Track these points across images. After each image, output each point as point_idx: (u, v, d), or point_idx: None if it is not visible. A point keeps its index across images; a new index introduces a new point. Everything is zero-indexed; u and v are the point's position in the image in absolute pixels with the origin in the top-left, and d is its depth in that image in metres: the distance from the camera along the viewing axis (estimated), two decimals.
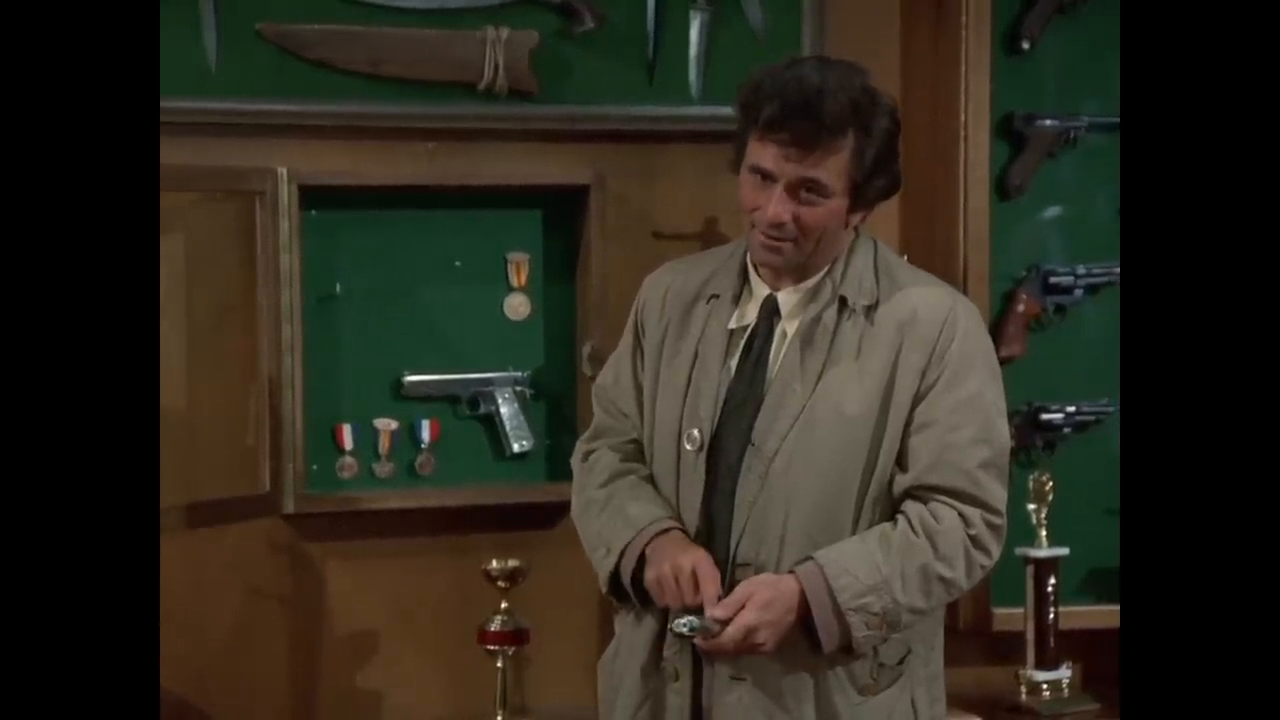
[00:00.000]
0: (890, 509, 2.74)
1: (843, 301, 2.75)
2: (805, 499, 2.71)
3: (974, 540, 2.72)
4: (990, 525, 2.73)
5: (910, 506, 2.72)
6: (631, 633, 2.88)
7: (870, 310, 2.75)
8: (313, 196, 3.64)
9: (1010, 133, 3.88)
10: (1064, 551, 3.83)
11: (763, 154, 2.66)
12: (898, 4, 3.98)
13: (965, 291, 3.53)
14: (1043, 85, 3.92)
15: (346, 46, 3.65)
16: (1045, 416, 3.90)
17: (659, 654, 2.80)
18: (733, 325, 2.80)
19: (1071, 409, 3.91)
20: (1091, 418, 3.92)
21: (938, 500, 2.71)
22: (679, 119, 3.82)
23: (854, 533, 2.72)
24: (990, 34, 3.80)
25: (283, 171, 3.59)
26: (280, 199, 3.58)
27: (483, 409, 3.80)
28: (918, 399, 2.72)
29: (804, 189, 2.66)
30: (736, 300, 2.81)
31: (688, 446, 2.77)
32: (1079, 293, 3.91)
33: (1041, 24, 3.86)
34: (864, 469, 2.72)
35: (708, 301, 2.83)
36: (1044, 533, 3.82)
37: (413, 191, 3.72)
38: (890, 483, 2.73)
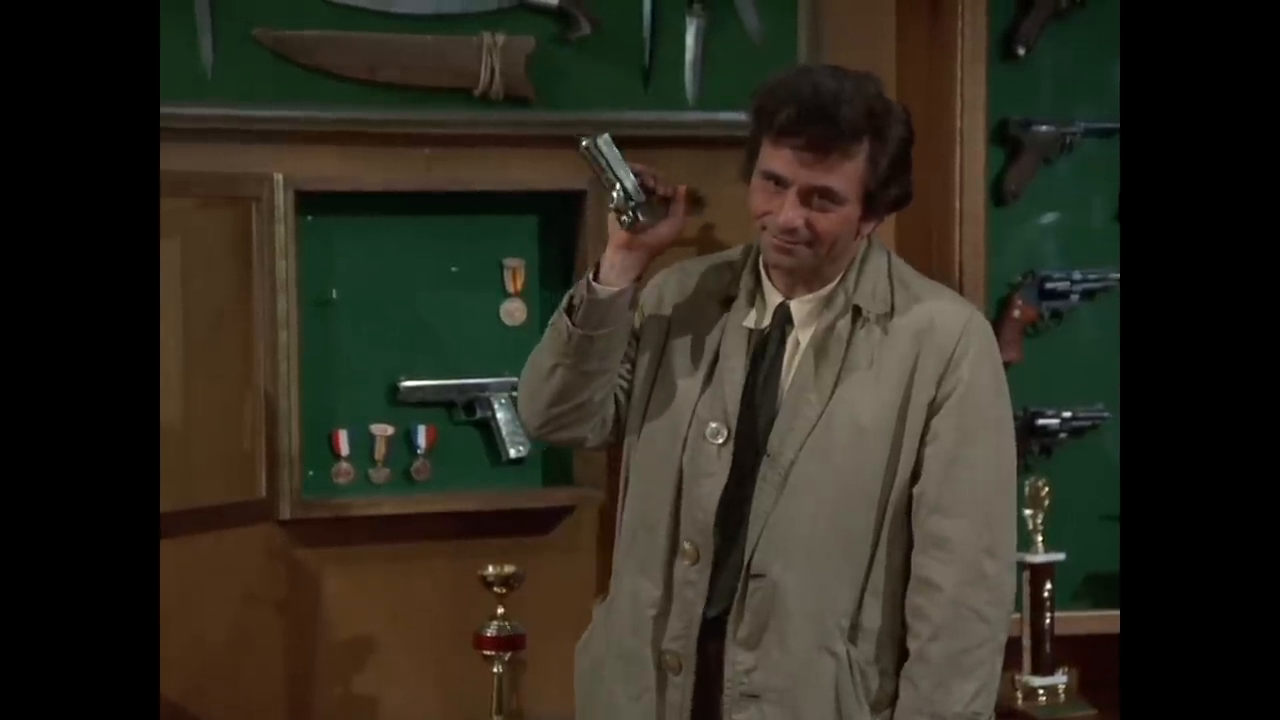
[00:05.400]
0: (908, 525, 2.72)
1: (856, 311, 2.74)
2: (823, 510, 2.70)
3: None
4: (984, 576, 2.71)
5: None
6: (606, 619, 2.88)
7: (885, 319, 2.73)
8: (309, 202, 3.63)
9: (1006, 138, 3.88)
10: (1060, 557, 3.82)
11: (776, 159, 2.65)
12: (893, 10, 3.99)
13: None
14: (1038, 91, 3.92)
15: (343, 52, 3.65)
16: (1041, 422, 3.90)
17: (657, 643, 2.78)
18: (748, 325, 2.79)
19: (1068, 414, 3.91)
20: (1088, 423, 3.92)
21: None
22: (675, 124, 3.82)
23: (874, 545, 2.71)
24: (986, 39, 3.79)
25: (279, 177, 3.58)
26: (276, 204, 3.58)
27: (479, 414, 3.80)
28: (934, 407, 2.71)
29: (817, 195, 2.65)
30: (750, 304, 2.80)
31: (716, 441, 2.74)
32: (1075, 298, 3.91)
33: (1037, 29, 3.86)
34: (883, 479, 2.70)
35: (722, 302, 2.82)
36: (1040, 538, 3.82)
37: (409, 197, 3.72)
38: (909, 494, 2.72)
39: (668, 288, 2.89)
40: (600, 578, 3.76)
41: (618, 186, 2.70)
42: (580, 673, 2.94)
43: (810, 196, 2.65)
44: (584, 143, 2.70)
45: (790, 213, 2.65)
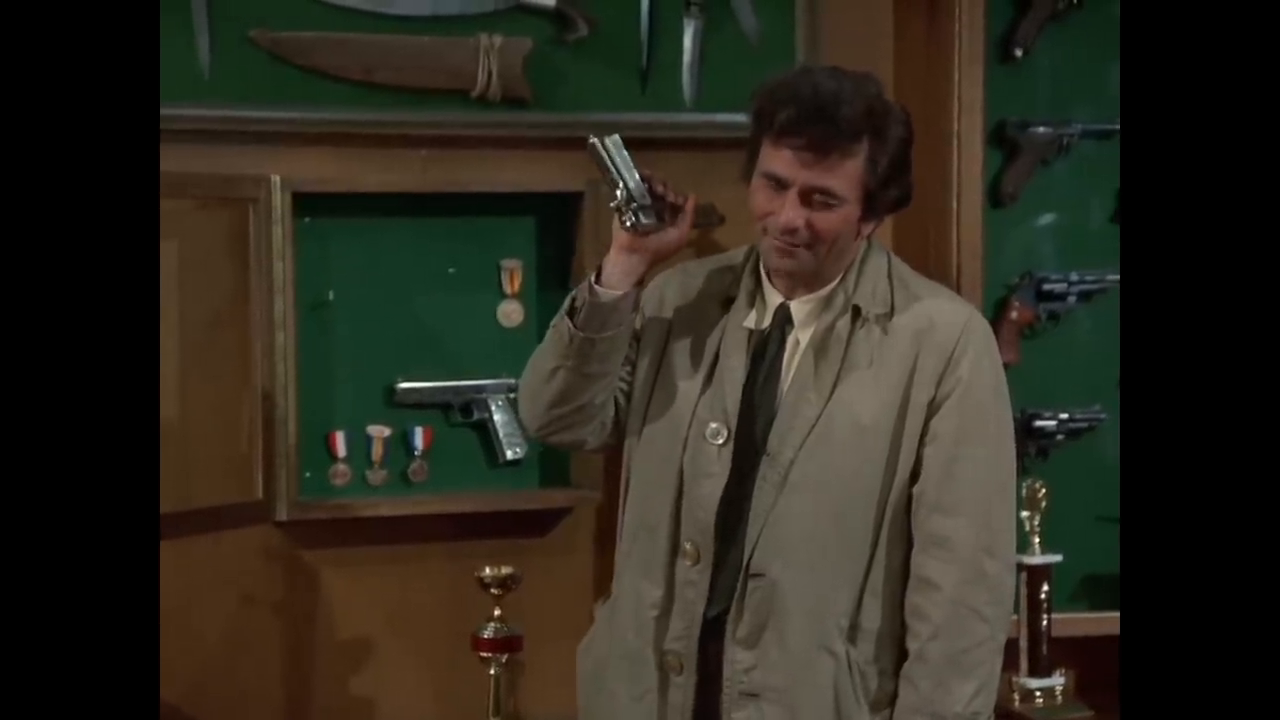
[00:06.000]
0: (908, 525, 2.72)
1: (856, 311, 2.74)
2: (822, 509, 2.70)
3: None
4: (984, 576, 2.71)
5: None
6: (609, 620, 2.88)
7: (884, 319, 2.73)
8: (306, 203, 3.63)
9: (1003, 140, 3.88)
10: (1057, 558, 3.83)
11: (776, 159, 2.65)
12: (891, 11, 3.99)
13: None
14: (1036, 92, 3.92)
15: (340, 53, 3.65)
16: (1038, 423, 3.90)
17: (659, 643, 2.78)
18: (749, 325, 2.79)
19: (1065, 416, 3.91)
20: (1085, 424, 3.93)
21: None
22: (672, 126, 3.82)
23: (874, 545, 2.71)
24: (983, 41, 3.80)
25: (276, 179, 3.58)
26: (273, 206, 3.58)
27: (476, 416, 3.80)
28: (933, 407, 2.71)
29: (817, 195, 2.64)
30: (750, 305, 2.80)
31: (716, 441, 2.74)
32: (1072, 300, 3.92)
33: (1034, 31, 3.87)
34: (882, 479, 2.71)
35: (722, 303, 2.82)
36: (1037, 540, 3.82)
37: (406, 198, 3.72)
38: (908, 493, 2.72)
39: (669, 289, 2.89)
40: (598, 579, 3.76)
41: (620, 186, 2.70)
42: (583, 674, 2.94)
43: (810, 196, 2.65)
44: (592, 140, 2.70)
45: (791, 213, 2.65)
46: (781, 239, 2.67)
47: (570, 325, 2.74)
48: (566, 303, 2.78)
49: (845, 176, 2.64)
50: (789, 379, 2.74)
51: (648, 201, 2.72)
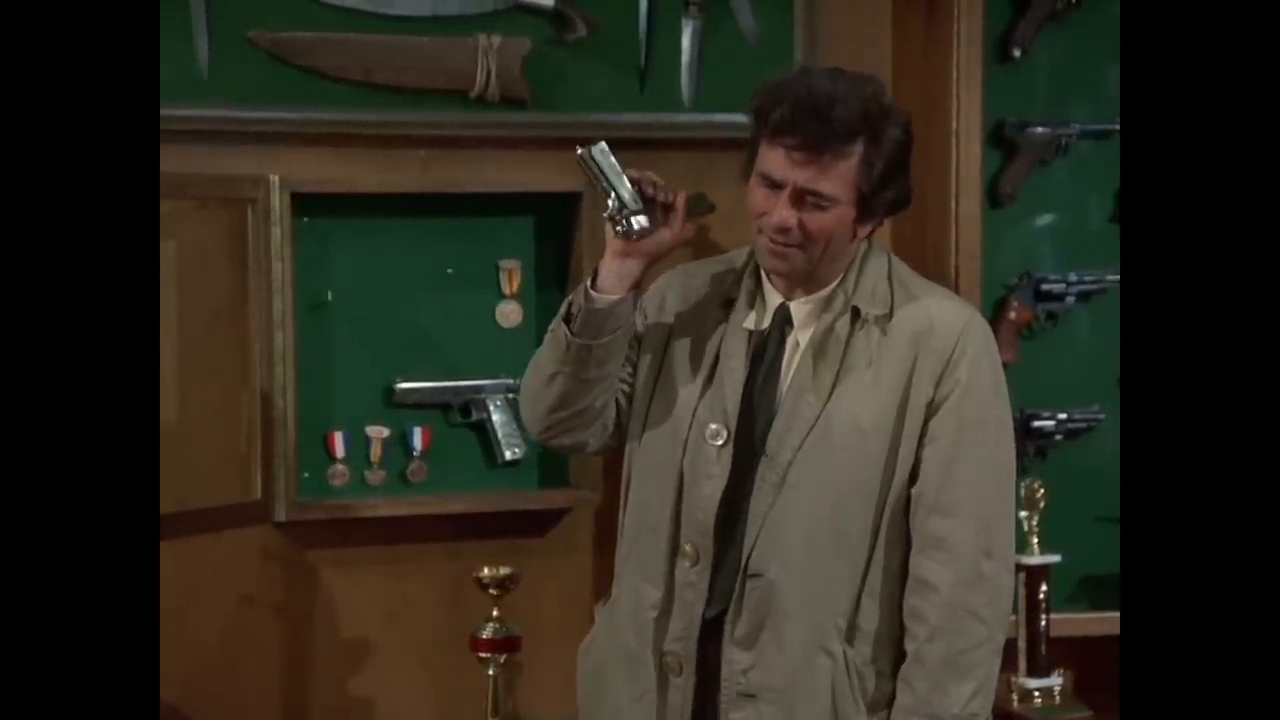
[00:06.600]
0: (906, 526, 2.72)
1: (855, 312, 2.73)
2: (820, 510, 2.69)
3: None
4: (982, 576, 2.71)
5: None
6: (608, 621, 2.88)
7: (884, 320, 2.73)
8: (305, 204, 3.63)
9: (1002, 140, 3.89)
10: (1056, 558, 3.83)
11: (770, 159, 2.65)
12: (890, 11, 3.99)
13: None
14: (1034, 93, 3.93)
15: (338, 54, 3.65)
16: (1037, 424, 3.91)
17: (658, 644, 2.78)
18: (748, 326, 2.79)
19: (1063, 416, 3.92)
20: (1083, 425, 3.93)
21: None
22: (671, 126, 3.82)
23: (872, 546, 2.71)
24: (982, 41, 3.80)
25: (275, 179, 3.58)
26: (272, 206, 3.58)
27: (475, 416, 3.80)
28: (932, 408, 2.70)
29: (809, 196, 2.64)
30: (750, 306, 2.80)
31: (715, 442, 2.74)
32: (1071, 300, 3.92)
33: (1033, 31, 3.87)
34: (881, 480, 2.70)
35: (722, 305, 2.82)
36: (1036, 540, 3.82)
37: (405, 199, 3.72)
38: (907, 494, 2.71)
39: (670, 291, 2.89)
40: (596, 579, 3.76)
41: (612, 195, 2.69)
42: (583, 675, 2.94)
43: (803, 197, 2.64)
44: (579, 151, 2.70)
45: (782, 212, 2.65)
46: (774, 238, 2.67)
47: (567, 331, 2.74)
48: (563, 308, 2.77)
49: (838, 178, 2.64)
50: (788, 380, 2.74)
51: (639, 206, 2.71)
